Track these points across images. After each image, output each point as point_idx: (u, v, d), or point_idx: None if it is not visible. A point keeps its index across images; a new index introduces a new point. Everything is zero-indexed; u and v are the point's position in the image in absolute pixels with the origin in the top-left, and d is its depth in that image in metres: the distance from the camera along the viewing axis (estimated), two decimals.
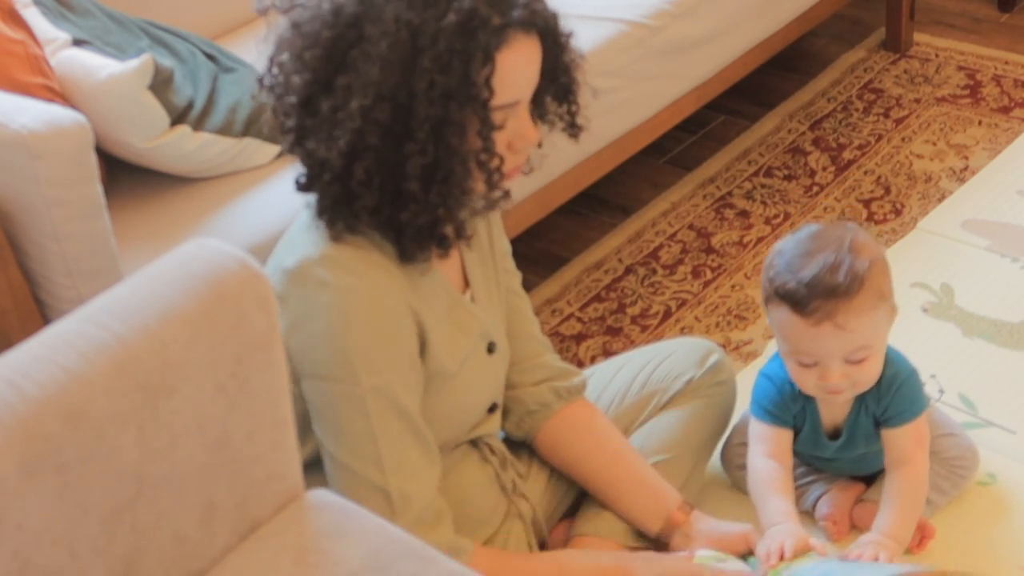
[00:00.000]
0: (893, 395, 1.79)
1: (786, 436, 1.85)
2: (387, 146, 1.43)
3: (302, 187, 1.51)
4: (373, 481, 1.53)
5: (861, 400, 1.81)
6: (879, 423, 1.82)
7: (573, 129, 1.63)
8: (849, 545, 1.77)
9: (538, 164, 1.66)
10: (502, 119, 1.48)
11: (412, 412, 1.55)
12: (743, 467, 1.91)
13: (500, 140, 1.50)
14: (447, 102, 1.41)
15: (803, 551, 1.69)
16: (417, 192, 1.45)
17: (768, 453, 1.84)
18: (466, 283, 1.68)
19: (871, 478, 1.92)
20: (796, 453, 1.91)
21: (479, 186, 1.50)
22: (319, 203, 1.50)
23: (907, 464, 1.80)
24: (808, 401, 1.83)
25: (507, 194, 1.59)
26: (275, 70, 1.48)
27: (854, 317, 1.67)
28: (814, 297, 1.67)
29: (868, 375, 1.75)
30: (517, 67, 1.47)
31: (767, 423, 1.85)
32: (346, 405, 1.50)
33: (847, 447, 1.85)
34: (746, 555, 1.76)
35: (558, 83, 1.58)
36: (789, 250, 1.73)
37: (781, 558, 1.68)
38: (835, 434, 1.85)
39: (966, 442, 1.93)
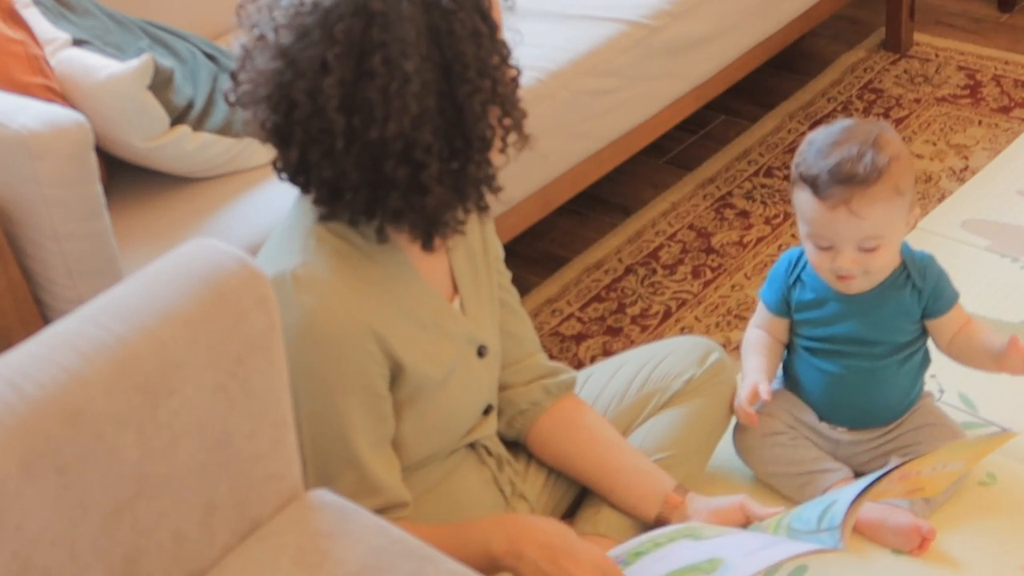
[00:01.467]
0: (938, 277, 1.90)
1: (780, 323, 1.98)
2: (443, 104, 1.42)
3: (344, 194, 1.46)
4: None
5: (906, 272, 1.89)
6: (924, 314, 1.91)
7: None
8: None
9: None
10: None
11: (353, 447, 1.52)
12: (753, 449, 1.97)
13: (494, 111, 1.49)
14: (479, 40, 1.42)
15: (754, 398, 1.86)
16: (489, 137, 1.46)
17: (762, 327, 2.00)
18: (455, 290, 1.67)
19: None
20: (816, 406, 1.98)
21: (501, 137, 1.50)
22: (356, 195, 1.46)
23: (964, 325, 1.92)
24: (804, 270, 1.94)
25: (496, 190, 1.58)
26: (299, 100, 1.42)
27: (867, 205, 1.77)
28: (833, 183, 1.78)
29: (879, 263, 1.84)
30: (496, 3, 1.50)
31: (765, 307, 1.99)
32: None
33: (869, 303, 1.89)
34: (744, 526, 1.76)
35: None
36: (820, 139, 1.84)
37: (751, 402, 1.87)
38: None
39: (959, 433, 1.96)
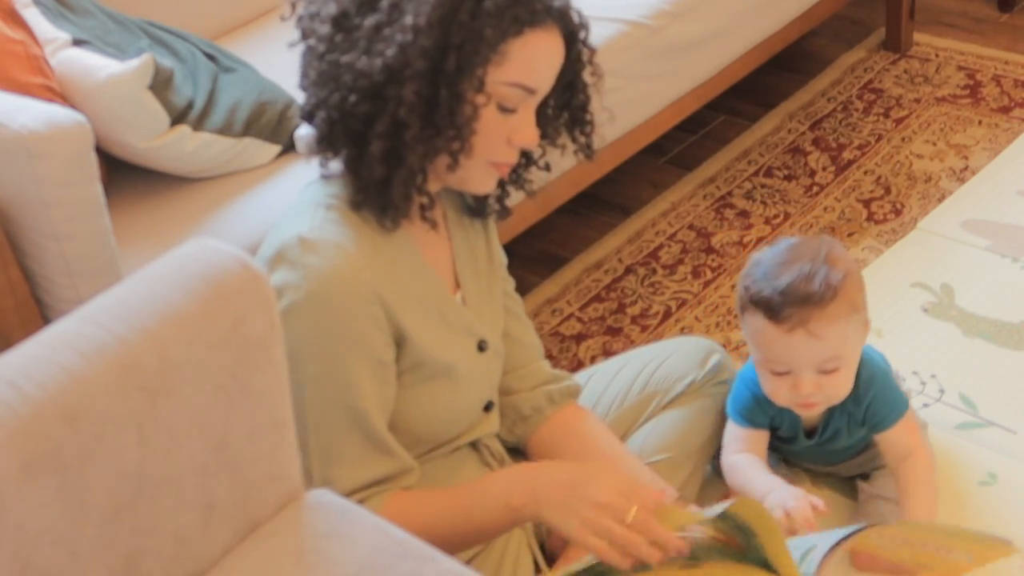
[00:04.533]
0: (872, 399, 1.81)
1: (762, 437, 1.88)
2: (425, 75, 1.43)
3: (315, 110, 1.50)
4: (306, 466, 1.50)
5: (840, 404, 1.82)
6: (864, 424, 1.83)
7: (588, 151, 1.63)
8: None
9: (539, 183, 1.68)
10: (516, 101, 1.49)
11: (359, 405, 1.51)
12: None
13: (502, 129, 1.50)
14: (478, 46, 1.44)
15: (810, 522, 1.67)
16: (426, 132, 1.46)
17: (744, 449, 1.86)
18: (457, 285, 1.67)
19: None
20: (771, 447, 1.93)
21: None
22: (333, 129, 1.49)
23: (910, 457, 1.82)
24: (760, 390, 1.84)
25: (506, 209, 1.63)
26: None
27: (826, 325, 1.69)
28: (788, 304, 1.69)
29: (840, 387, 1.76)
30: (543, 53, 1.49)
31: (743, 426, 1.87)
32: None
33: (822, 444, 1.87)
34: None
35: (573, 100, 1.58)
36: (767, 260, 1.76)
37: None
38: (811, 432, 1.88)
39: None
